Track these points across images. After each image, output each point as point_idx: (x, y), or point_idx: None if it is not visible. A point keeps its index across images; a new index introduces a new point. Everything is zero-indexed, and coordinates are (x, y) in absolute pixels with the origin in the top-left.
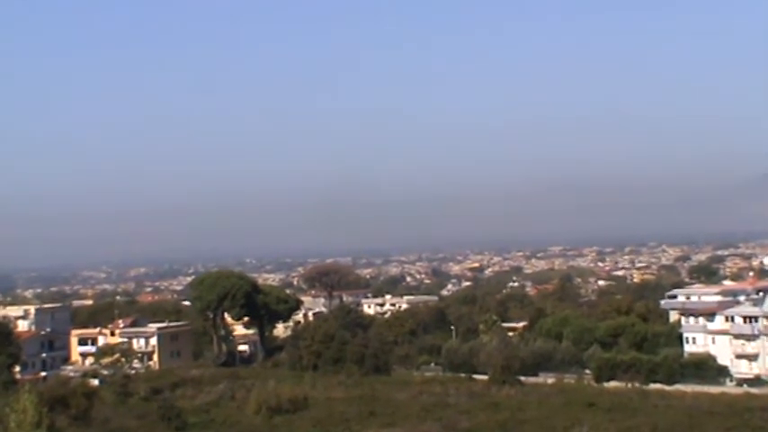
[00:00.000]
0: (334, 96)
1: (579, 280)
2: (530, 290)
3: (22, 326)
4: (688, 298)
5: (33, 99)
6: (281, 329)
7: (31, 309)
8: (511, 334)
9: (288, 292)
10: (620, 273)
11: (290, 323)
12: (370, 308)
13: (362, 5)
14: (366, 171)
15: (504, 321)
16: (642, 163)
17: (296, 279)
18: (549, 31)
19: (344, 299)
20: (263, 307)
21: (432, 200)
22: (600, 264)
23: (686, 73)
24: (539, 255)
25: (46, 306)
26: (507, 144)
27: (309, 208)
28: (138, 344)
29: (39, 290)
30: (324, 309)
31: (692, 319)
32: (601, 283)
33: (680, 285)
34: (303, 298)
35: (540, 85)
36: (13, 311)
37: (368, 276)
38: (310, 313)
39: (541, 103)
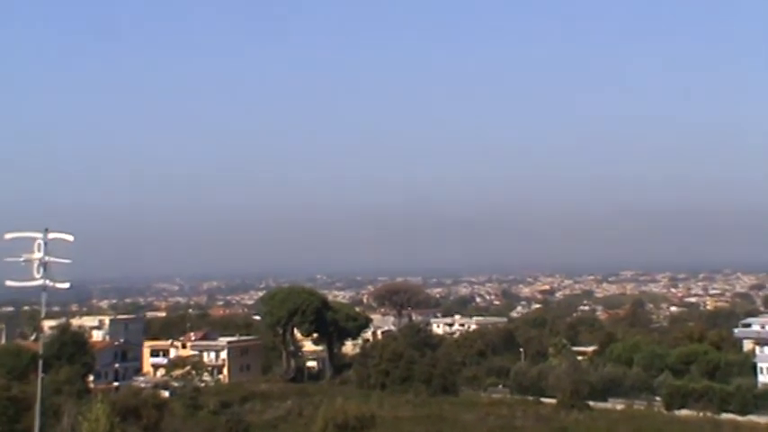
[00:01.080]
0: (411, 108)
1: (651, 306)
2: (600, 314)
3: (97, 336)
4: (763, 327)
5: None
6: (349, 347)
7: (106, 319)
8: (580, 358)
9: (357, 309)
10: (693, 299)
11: (359, 341)
12: (438, 327)
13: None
14: (439, 188)
15: (573, 345)
16: (718, 187)
17: (366, 297)
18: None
19: (414, 318)
20: (332, 324)
21: (504, 220)
22: (673, 290)
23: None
24: (610, 279)
25: (120, 317)
26: (579, 165)
27: (382, 225)
28: (208, 357)
29: (114, 301)
30: (393, 327)
31: (766, 349)
32: (673, 309)
33: (754, 314)
34: (372, 316)
35: (617, 103)
36: (89, 322)
37: (437, 296)
38: (379, 331)
39: (614, 121)
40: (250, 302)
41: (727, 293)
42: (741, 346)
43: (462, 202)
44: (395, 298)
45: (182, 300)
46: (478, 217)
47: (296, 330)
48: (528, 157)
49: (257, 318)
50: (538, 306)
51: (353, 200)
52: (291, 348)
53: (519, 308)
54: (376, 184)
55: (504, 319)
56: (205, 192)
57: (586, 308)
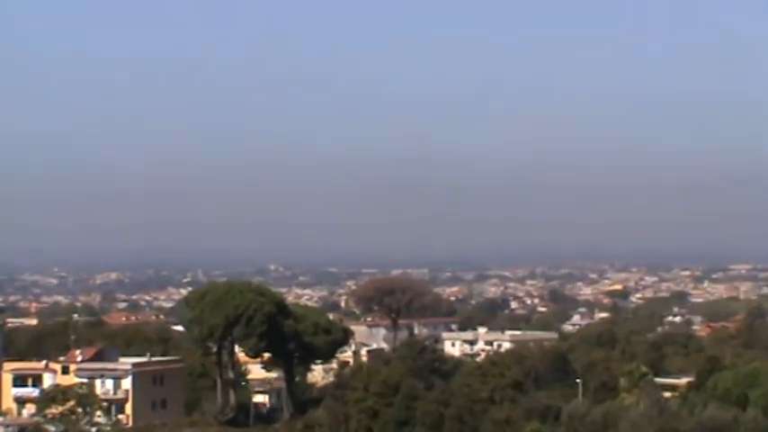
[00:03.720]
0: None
1: None
2: (699, 328)
3: None
4: None
5: None
6: (318, 374)
7: None
8: (668, 395)
9: (331, 317)
10: None
11: (334, 365)
12: (454, 346)
13: None
14: (453, 143)
15: (658, 375)
16: None
17: (344, 298)
18: None
19: (417, 331)
20: (293, 338)
21: (552, 188)
22: None
23: None
24: (714, 275)
25: None
26: (671, 115)
27: (368, 193)
28: (103, 387)
29: None
30: (385, 345)
31: None
32: None
33: None
34: (354, 327)
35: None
36: None
37: (453, 298)
38: (364, 350)
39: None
40: (167, 305)
41: None
42: None
43: (488, 161)
44: (388, 300)
45: (63, 300)
46: (515, 182)
47: (237, 348)
48: (588, 100)
49: (178, 328)
50: (604, 315)
51: (328, 151)
52: (231, 375)
53: (576, 318)
54: (364, 133)
55: (554, 335)
56: (102, 142)
57: (677, 319)
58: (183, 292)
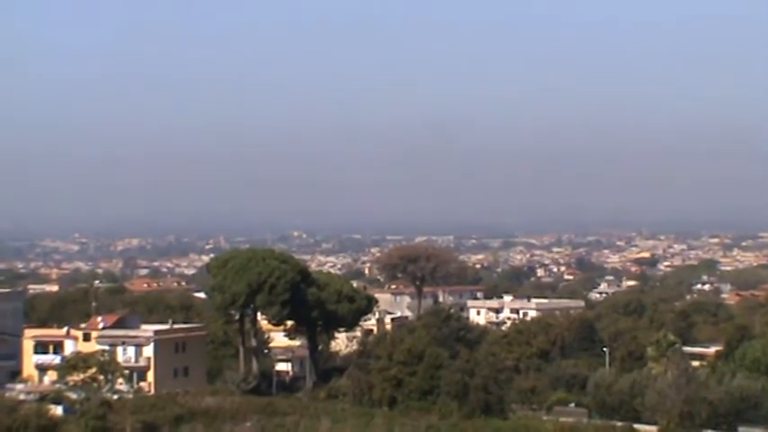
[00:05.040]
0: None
1: None
2: (728, 297)
3: None
4: None
5: None
6: (342, 342)
7: None
8: (696, 364)
9: (355, 284)
10: None
11: (358, 333)
12: (479, 315)
13: None
14: (480, 109)
15: (686, 344)
16: None
17: (368, 266)
18: None
19: (441, 299)
20: (315, 306)
21: (580, 155)
22: None
23: None
24: (744, 243)
25: None
26: (705, 73)
27: (393, 159)
28: (125, 354)
29: None
30: (409, 313)
31: None
32: None
33: None
34: (378, 295)
35: None
36: None
37: (478, 266)
38: (388, 318)
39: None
40: (189, 272)
41: None
42: None
43: (512, 126)
44: (412, 268)
45: (84, 266)
46: (543, 149)
47: (260, 316)
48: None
49: (200, 296)
50: (632, 283)
51: (353, 116)
52: (253, 343)
53: (603, 286)
54: (390, 97)
55: (581, 303)
56: (120, 105)
57: (707, 287)
58: (205, 258)
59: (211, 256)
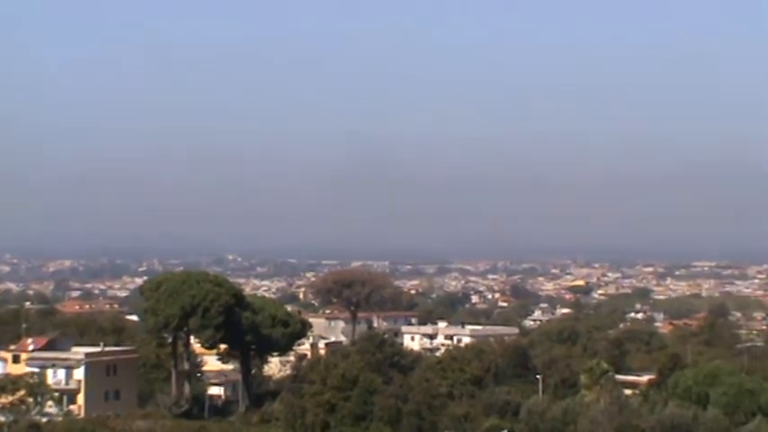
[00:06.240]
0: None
1: (739, 315)
2: (661, 325)
3: None
4: None
5: None
6: (275, 366)
7: None
8: (629, 392)
9: (289, 308)
10: None
11: (291, 357)
12: (413, 340)
13: None
14: (417, 135)
15: (619, 372)
16: None
17: (303, 290)
18: None
19: (376, 324)
20: (249, 330)
21: (516, 182)
22: None
23: None
24: (678, 272)
25: None
26: (636, 110)
27: (330, 184)
28: (55, 377)
29: None
30: (344, 338)
31: None
32: None
33: None
34: (312, 319)
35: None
36: None
37: (413, 292)
38: (322, 343)
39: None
40: (122, 294)
41: None
42: None
43: (450, 152)
44: (347, 293)
45: (15, 287)
46: (479, 175)
47: (193, 339)
48: (553, 86)
49: (133, 318)
50: (566, 311)
51: (290, 141)
52: (186, 366)
53: (537, 313)
54: (325, 123)
55: (515, 330)
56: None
57: (640, 315)
58: (139, 281)
59: (145, 278)
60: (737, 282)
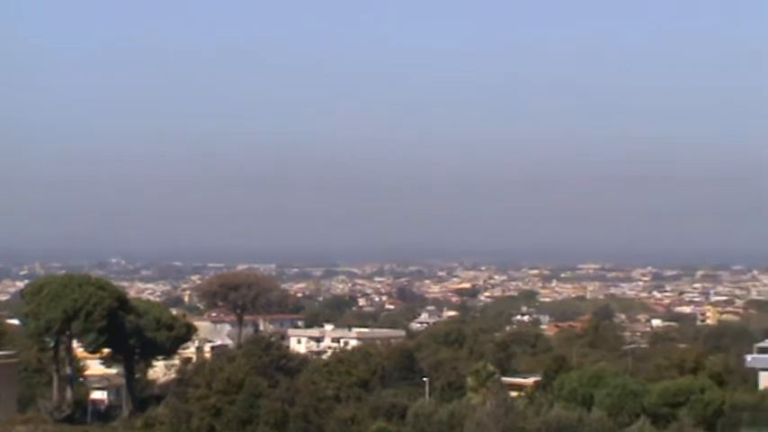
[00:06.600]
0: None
1: (623, 317)
2: (546, 328)
3: None
4: None
5: None
6: (160, 370)
7: None
8: (515, 394)
9: (174, 312)
10: (686, 309)
11: (176, 361)
12: (300, 343)
13: None
14: (304, 135)
15: (505, 374)
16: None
17: (188, 294)
18: None
19: (262, 327)
20: (133, 334)
21: (403, 184)
22: (656, 293)
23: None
24: (563, 275)
25: None
26: (526, 103)
27: (216, 186)
28: None
29: None
30: (229, 341)
31: None
32: (656, 322)
33: None
34: (197, 323)
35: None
36: None
37: (300, 295)
38: (207, 346)
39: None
40: (3, 298)
41: (738, 301)
42: (756, 381)
43: (340, 154)
44: (233, 296)
45: None
46: (364, 178)
47: (76, 343)
48: (438, 90)
49: (13, 322)
50: (452, 314)
51: (175, 142)
52: (68, 371)
53: (424, 316)
54: (215, 124)
55: (402, 333)
56: None
57: (525, 318)
58: (20, 284)
59: (26, 281)
60: (622, 284)
